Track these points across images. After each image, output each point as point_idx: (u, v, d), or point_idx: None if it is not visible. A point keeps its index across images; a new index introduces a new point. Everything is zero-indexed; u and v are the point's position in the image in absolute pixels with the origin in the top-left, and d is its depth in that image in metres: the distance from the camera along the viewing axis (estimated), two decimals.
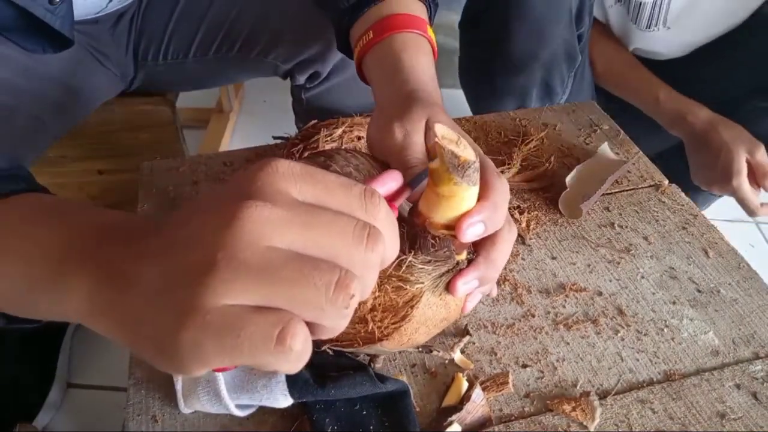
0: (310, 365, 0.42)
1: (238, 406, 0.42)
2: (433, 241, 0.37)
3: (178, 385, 0.43)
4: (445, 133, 0.35)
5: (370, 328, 0.38)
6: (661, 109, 0.95)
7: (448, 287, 0.39)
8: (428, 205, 0.36)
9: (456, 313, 0.42)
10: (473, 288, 0.39)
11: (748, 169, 0.83)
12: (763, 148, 0.84)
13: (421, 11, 0.48)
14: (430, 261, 0.38)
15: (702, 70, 0.95)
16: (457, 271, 0.39)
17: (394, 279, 0.39)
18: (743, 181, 0.82)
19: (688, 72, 0.95)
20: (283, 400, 0.41)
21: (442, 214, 0.36)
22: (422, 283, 0.38)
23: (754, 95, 0.89)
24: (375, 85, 0.47)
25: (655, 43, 0.94)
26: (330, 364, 0.44)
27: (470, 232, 0.36)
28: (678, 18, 0.89)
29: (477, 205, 0.36)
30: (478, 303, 0.44)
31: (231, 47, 0.79)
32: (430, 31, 0.47)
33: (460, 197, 0.35)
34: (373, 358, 0.46)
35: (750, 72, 0.89)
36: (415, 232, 0.38)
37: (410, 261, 0.38)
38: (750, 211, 0.82)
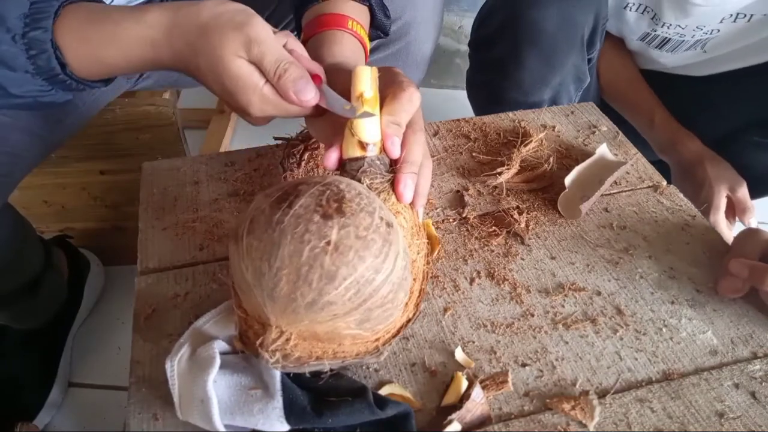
0: (307, 389, 0.42)
1: (228, 426, 0.41)
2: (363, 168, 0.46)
3: (175, 397, 0.42)
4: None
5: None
6: (654, 132, 0.96)
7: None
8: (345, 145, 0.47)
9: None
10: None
11: (727, 205, 0.87)
12: (745, 186, 0.87)
13: (351, 10, 0.58)
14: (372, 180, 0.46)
15: (709, 97, 0.94)
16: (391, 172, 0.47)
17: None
18: (720, 218, 0.86)
19: (695, 96, 0.94)
20: (279, 425, 0.40)
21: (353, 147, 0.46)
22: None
23: (750, 129, 0.89)
24: None
25: (679, 61, 0.93)
26: (328, 388, 0.43)
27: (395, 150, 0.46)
28: (717, 46, 0.87)
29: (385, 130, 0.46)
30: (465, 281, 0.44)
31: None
32: (352, 24, 0.57)
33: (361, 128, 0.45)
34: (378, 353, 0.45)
35: (752, 106, 0.89)
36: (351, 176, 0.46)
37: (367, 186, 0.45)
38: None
